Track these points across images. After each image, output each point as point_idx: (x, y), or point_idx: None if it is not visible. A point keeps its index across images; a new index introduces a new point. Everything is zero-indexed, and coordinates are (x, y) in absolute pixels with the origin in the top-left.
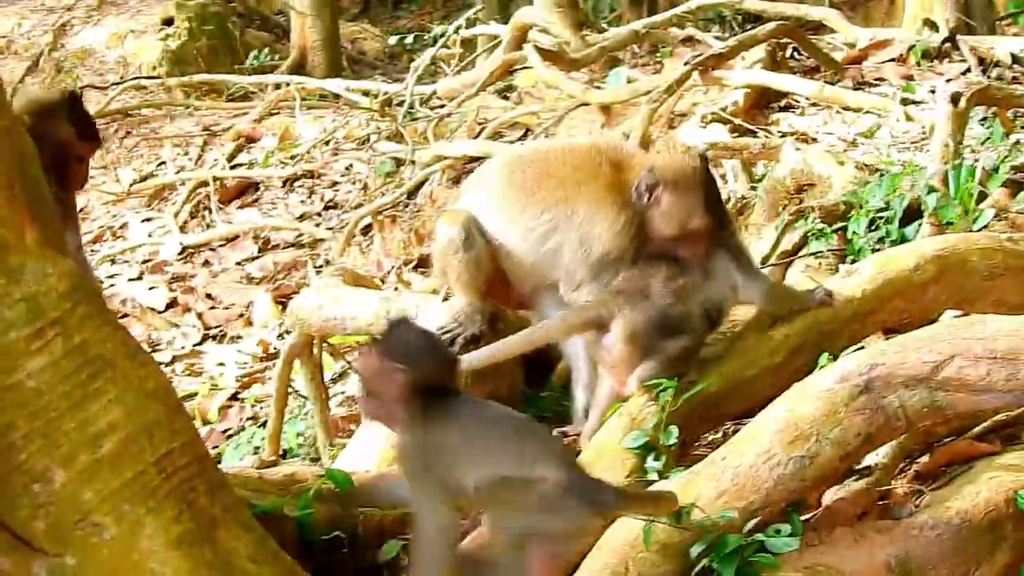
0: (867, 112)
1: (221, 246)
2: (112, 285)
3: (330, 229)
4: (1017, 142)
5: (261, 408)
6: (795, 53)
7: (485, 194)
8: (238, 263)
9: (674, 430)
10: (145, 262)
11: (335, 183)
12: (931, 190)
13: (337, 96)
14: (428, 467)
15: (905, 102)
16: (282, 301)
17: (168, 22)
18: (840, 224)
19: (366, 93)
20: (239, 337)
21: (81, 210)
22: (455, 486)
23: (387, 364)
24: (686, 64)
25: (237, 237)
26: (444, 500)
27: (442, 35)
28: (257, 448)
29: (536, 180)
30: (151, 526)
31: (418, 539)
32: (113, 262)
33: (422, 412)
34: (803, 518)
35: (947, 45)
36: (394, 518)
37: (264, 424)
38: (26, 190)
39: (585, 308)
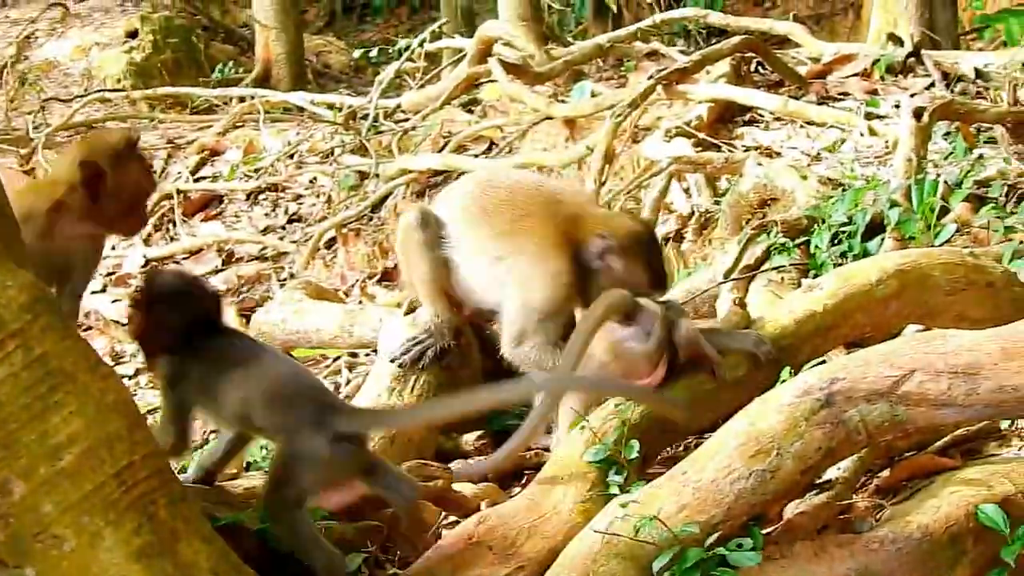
0: (831, 127)
1: (185, 259)
2: None
3: (294, 242)
4: (980, 157)
5: None
6: (759, 67)
7: (450, 203)
8: (202, 276)
9: (635, 444)
10: (109, 275)
11: (299, 196)
12: (894, 205)
13: (301, 109)
14: (180, 391)
15: (869, 117)
16: (246, 314)
17: (132, 35)
18: (803, 238)
19: (331, 106)
20: None
21: None
22: (214, 410)
23: (151, 311)
24: (650, 78)
25: (201, 250)
26: (178, 420)
27: (407, 48)
28: None
29: (499, 204)
30: (111, 539)
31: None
32: None
33: (188, 346)
34: (764, 532)
35: (911, 60)
36: (357, 531)
37: None
38: None
39: (609, 296)
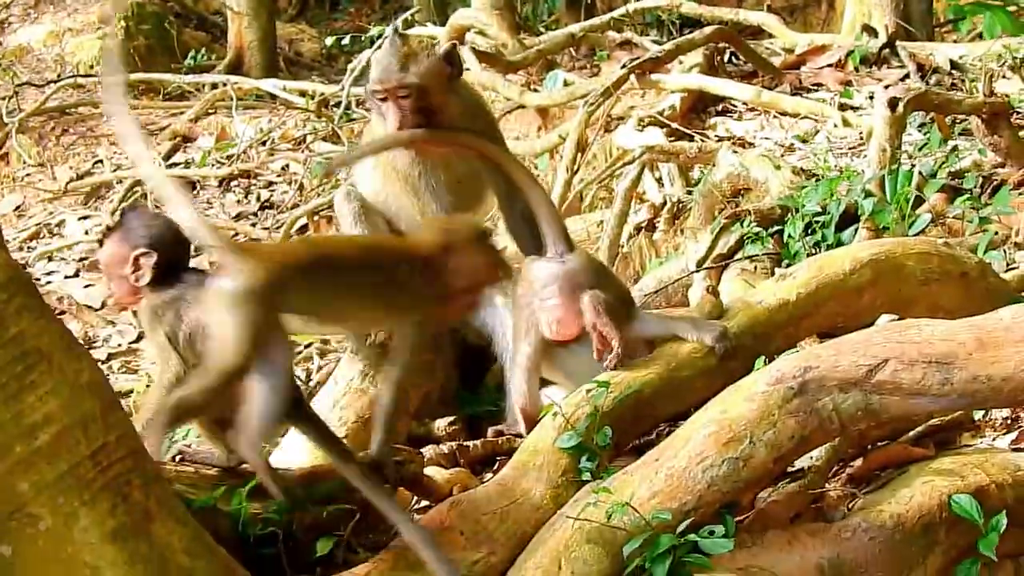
0: (804, 117)
1: None
2: (49, 282)
3: (266, 229)
4: (955, 148)
5: None
6: (733, 57)
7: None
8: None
9: (608, 431)
10: (82, 260)
11: (271, 183)
12: (868, 195)
13: (274, 96)
14: (160, 326)
15: (843, 107)
16: None
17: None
18: (776, 228)
19: (303, 94)
20: None
21: (17, 208)
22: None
23: (132, 249)
24: (623, 67)
25: None
26: (171, 352)
27: (379, 36)
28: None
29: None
30: (86, 519)
31: (155, 385)
32: (50, 259)
33: (161, 284)
34: (736, 519)
35: (886, 51)
36: (329, 515)
37: None
38: None
39: None
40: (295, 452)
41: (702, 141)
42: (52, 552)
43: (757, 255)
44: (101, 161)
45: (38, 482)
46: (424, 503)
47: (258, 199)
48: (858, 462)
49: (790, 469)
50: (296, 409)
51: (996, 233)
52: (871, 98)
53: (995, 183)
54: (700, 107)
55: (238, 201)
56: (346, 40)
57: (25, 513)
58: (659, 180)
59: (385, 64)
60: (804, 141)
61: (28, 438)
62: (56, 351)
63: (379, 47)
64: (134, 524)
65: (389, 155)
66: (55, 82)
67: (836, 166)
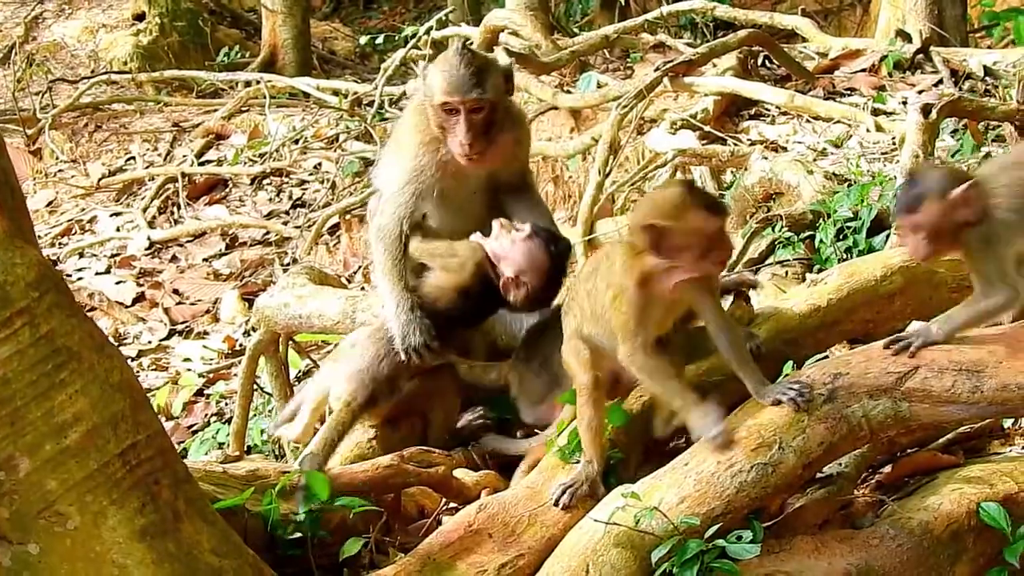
0: (837, 122)
1: (189, 242)
2: (80, 279)
3: (297, 227)
4: (988, 155)
5: (226, 404)
6: (766, 61)
7: None
8: (205, 259)
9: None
10: (113, 256)
11: (303, 182)
12: None
13: (307, 95)
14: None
15: (876, 112)
16: (249, 298)
17: (140, 17)
18: (808, 233)
19: (336, 92)
20: (205, 333)
21: (49, 204)
22: None
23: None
24: (657, 70)
25: (205, 234)
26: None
27: (413, 36)
28: (221, 444)
29: None
30: (114, 517)
31: None
32: (81, 255)
33: None
34: (764, 525)
35: (920, 56)
36: (356, 516)
37: (229, 420)
38: None
39: None
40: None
41: (735, 145)
42: (80, 551)
43: (788, 260)
44: (133, 158)
45: (67, 480)
46: (452, 505)
47: (290, 197)
48: (887, 469)
49: (819, 475)
50: None
51: None
52: (904, 103)
53: None
54: (733, 110)
55: (270, 199)
56: (380, 39)
57: (54, 511)
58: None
59: (457, 77)
60: (837, 146)
61: (58, 436)
62: (86, 349)
63: (413, 46)
64: (163, 523)
65: (417, 163)
66: (88, 78)
67: (868, 171)
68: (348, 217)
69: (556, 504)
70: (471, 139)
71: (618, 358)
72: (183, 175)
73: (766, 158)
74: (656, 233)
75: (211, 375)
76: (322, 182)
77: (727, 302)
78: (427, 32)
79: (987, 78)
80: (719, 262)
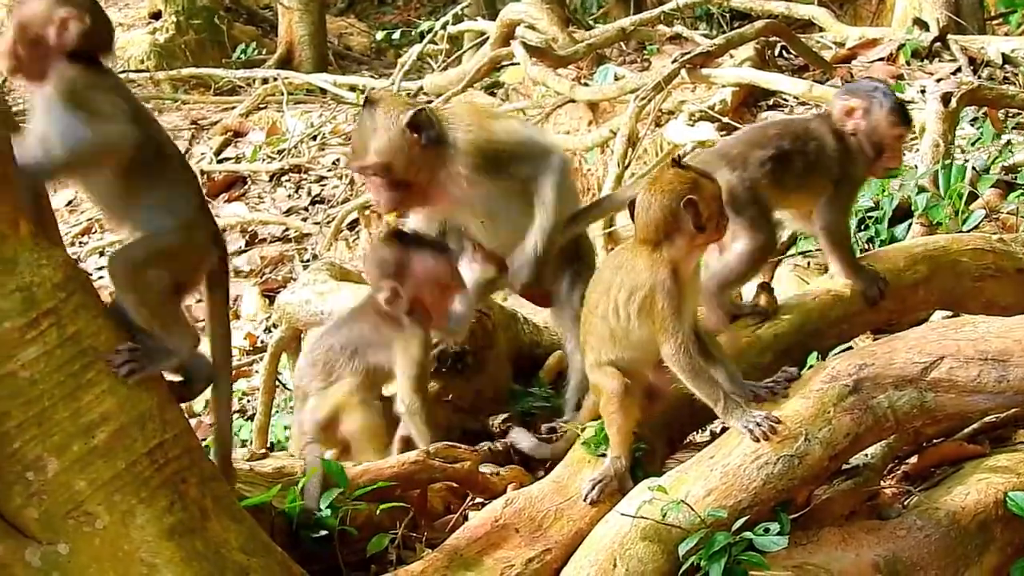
0: None
1: None
2: (100, 277)
3: (317, 224)
4: (1008, 143)
5: (249, 401)
6: (784, 51)
7: None
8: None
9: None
10: None
11: (322, 178)
12: (921, 190)
13: (324, 91)
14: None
15: None
16: (269, 295)
17: (156, 16)
18: None
19: (353, 88)
20: None
21: (69, 203)
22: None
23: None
24: (674, 62)
25: (224, 230)
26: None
27: (429, 31)
28: (245, 441)
29: None
30: (143, 516)
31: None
32: (102, 254)
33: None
34: (791, 517)
35: (937, 44)
36: (383, 512)
37: (252, 417)
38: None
39: None
40: None
41: None
42: (109, 550)
43: (810, 251)
44: None
45: (95, 480)
46: (479, 500)
47: (308, 194)
48: (913, 459)
49: (845, 466)
50: None
51: None
52: (923, 92)
53: None
54: (751, 101)
55: (289, 196)
56: (396, 34)
57: (82, 511)
58: None
59: (351, 143)
60: None
61: (85, 436)
62: (113, 349)
63: (429, 41)
64: (191, 522)
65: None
66: None
67: None
68: (367, 213)
69: (585, 499)
70: (378, 197)
71: (662, 355)
72: (202, 173)
73: None
74: (694, 207)
75: (233, 372)
76: (341, 178)
77: (751, 294)
78: (443, 27)
79: (1006, 65)
80: (725, 225)
